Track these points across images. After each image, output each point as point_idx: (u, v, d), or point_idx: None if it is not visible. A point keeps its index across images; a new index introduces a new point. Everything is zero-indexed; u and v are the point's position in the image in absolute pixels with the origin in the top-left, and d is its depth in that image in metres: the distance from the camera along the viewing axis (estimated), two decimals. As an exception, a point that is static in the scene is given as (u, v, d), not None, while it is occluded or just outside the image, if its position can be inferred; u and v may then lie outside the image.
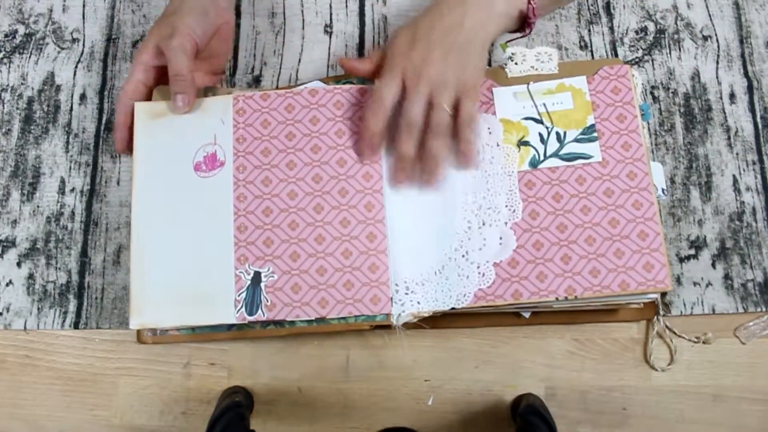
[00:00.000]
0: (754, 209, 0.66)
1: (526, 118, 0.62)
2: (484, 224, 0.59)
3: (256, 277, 0.59)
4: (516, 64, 0.63)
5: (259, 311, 0.58)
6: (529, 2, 0.60)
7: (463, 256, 0.59)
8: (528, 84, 0.63)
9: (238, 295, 0.59)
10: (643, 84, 0.70)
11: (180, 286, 0.59)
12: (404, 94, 0.58)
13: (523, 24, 0.62)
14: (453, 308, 0.58)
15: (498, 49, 0.69)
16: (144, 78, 0.62)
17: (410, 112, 0.58)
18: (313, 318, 0.58)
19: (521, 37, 0.64)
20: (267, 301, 0.58)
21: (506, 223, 0.59)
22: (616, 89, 0.62)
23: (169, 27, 0.60)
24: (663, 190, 0.61)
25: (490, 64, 0.69)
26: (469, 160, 0.60)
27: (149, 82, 0.63)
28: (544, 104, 0.62)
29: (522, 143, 0.61)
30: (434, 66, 0.57)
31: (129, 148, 0.63)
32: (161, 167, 0.62)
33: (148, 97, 0.63)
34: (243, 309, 0.58)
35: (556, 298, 0.57)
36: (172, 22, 0.60)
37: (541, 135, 0.61)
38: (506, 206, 0.59)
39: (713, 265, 0.65)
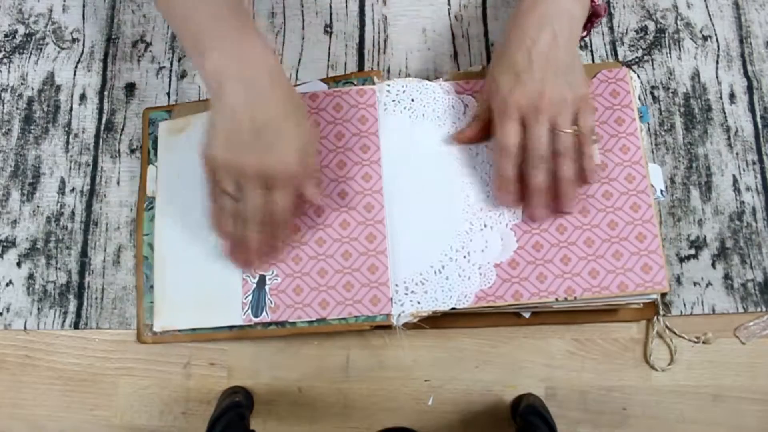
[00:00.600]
0: (754, 209, 0.66)
1: None
2: (485, 226, 0.59)
3: (261, 281, 0.60)
4: None
5: (264, 313, 0.59)
6: None
7: (464, 256, 0.59)
8: None
9: (245, 298, 0.60)
10: (642, 84, 0.69)
11: (194, 290, 0.62)
12: (525, 129, 0.56)
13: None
14: (453, 308, 0.58)
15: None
16: None
17: (538, 146, 0.55)
18: (314, 318, 0.58)
19: (584, 37, 0.63)
20: (271, 303, 0.59)
21: (506, 224, 0.59)
22: (614, 92, 0.62)
23: None
24: (662, 191, 0.61)
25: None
26: (592, 175, 0.58)
27: None
28: None
29: None
30: (549, 95, 0.54)
31: None
32: (180, 182, 0.65)
33: None
34: (249, 311, 0.60)
35: (556, 299, 0.57)
36: None
37: None
38: (507, 207, 0.59)
39: (713, 265, 0.65)
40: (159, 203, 0.65)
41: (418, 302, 0.58)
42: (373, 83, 0.64)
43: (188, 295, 0.62)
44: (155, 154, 0.67)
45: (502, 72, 0.56)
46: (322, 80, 0.66)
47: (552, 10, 0.55)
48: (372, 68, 0.72)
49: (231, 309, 0.60)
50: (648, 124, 0.68)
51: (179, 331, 0.62)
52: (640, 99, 0.69)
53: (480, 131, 0.61)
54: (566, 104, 0.55)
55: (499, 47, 0.59)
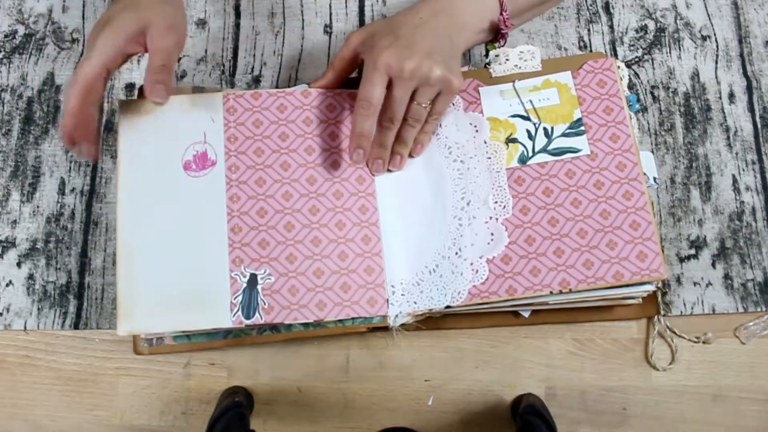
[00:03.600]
0: (753, 209, 0.66)
1: (513, 116, 0.63)
2: (474, 218, 0.60)
3: (253, 280, 0.59)
4: (499, 63, 0.64)
5: (257, 314, 0.58)
6: (501, 12, 0.61)
7: (456, 253, 0.59)
8: (513, 82, 0.63)
9: (234, 298, 0.59)
10: (642, 83, 0.70)
11: (172, 289, 0.59)
12: (388, 89, 0.58)
13: (496, 35, 0.64)
14: (448, 306, 0.59)
15: (481, 49, 0.69)
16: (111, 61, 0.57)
17: (395, 108, 0.59)
18: (311, 320, 0.58)
19: (499, 47, 0.64)
20: (264, 303, 0.58)
21: (497, 219, 0.60)
22: (601, 82, 0.62)
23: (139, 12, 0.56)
24: (654, 178, 0.62)
25: (468, 60, 0.69)
26: (421, 149, 0.63)
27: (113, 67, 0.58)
28: (531, 101, 0.63)
29: (510, 140, 0.62)
30: (422, 64, 0.56)
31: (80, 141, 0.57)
32: (148, 166, 0.62)
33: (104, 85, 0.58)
34: (240, 312, 0.58)
35: (551, 292, 0.57)
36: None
37: (528, 131, 0.62)
38: (495, 202, 0.61)
39: (713, 265, 0.65)
40: (121, 191, 0.60)
41: (415, 302, 0.59)
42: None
43: (164, 294, 0.58)
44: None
45: (383, 31, 0.59)
46: (309, 84, 0.66)
47: (448, 8, 0.59)
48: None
49: (218, 310, 0.58)
50: (636, 113, 0.68)
51: (174, 339, 0.62)
52: (629, 88, 0.69)
53: (334, 80, 0.64)
54: (431, 80, 0.58)
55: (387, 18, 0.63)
